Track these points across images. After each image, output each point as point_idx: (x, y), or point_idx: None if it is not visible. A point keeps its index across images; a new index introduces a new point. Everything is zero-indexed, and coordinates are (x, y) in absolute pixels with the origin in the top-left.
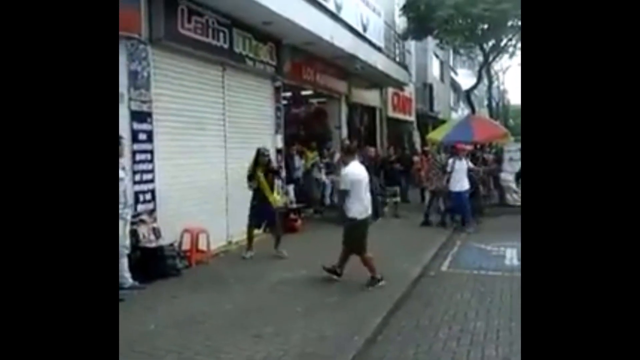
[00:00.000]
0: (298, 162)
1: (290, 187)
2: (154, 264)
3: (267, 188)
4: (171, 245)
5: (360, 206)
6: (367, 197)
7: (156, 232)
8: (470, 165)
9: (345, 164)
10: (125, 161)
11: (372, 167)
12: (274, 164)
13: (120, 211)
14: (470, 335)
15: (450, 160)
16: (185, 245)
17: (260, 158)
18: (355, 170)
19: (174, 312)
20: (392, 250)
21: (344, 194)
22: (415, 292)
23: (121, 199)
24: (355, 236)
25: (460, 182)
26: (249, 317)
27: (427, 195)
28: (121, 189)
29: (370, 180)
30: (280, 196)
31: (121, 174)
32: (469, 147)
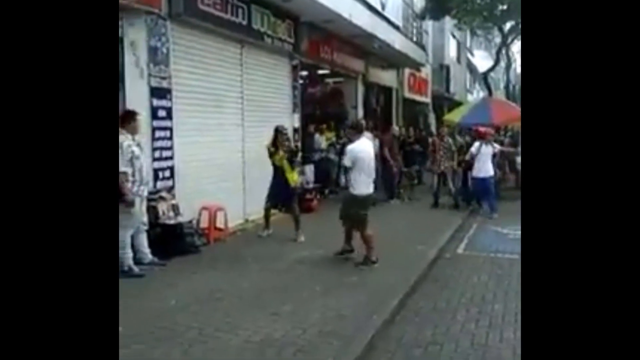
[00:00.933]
0: (318, 141)
1: (309, 167)
2: (173, 240)
3: (287, 168)
4: (190, 222)
5: (362, 183)
6: (371, 174)
7: (175, 209)
8: (497, 147)
9: (351, 140)
10: (142, 138)
11: (397, 146)
12: (292, 144)
13: (136, 188)
14: (488, 317)
15: (476, 144)
16: (204, 223)
17: (279, 136)
18: (360, 147)
19: (193, 288)
20: (408, 232)
21: (347, 170)
22: (432, 275)
23: (137, 176)
24: (352, 211)
25: (485, 168)
26: (266, 295)
27: (435, 178)
28: (137, 166)
29: (395, 160)
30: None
31: (137, 151)
32: (491, 131)
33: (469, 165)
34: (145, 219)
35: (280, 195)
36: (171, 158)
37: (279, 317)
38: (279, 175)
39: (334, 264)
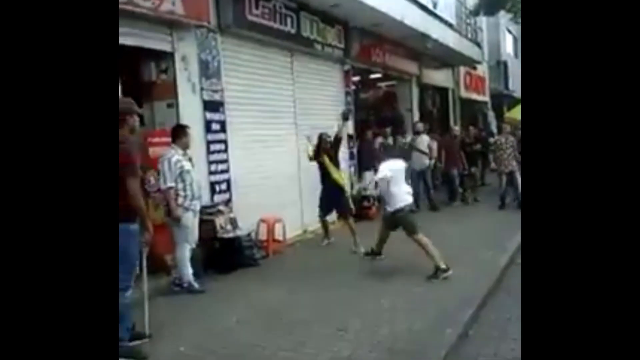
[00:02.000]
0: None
1: (369, 173)
2: (232, 254)
3: (332, 168)
4: (248, 235)
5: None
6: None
7: (233, 222)
8: None
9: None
10: (194, 152)
11: (457, 147)
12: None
13: (188, 202)
14: None
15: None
16: (262, 235)
17: (323, 144)
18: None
19: (254, 304)
20: (475, 238)
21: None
22: (504, 283)
23: (188, 191)
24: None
25: None
26: (331, 309)
27: (504, 178)
28: (188, 180)
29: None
30: (347, 179)
31: (187, 165)
32: None
33: None
34: (196, 234)
35: (331, 201)
36: (227, 171)
37: (346, 334)
38: (326, 180)
39: (399, 274)
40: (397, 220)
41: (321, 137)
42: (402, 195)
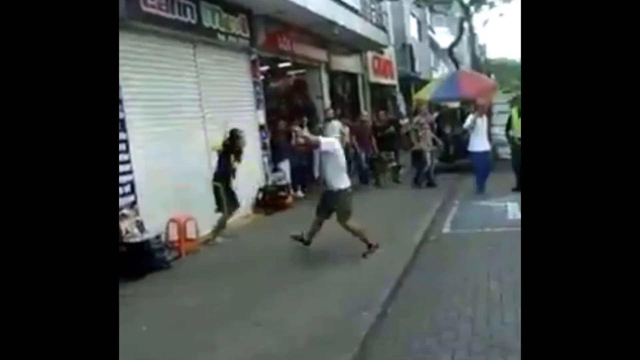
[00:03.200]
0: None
1: (285, 164)
2: (141, 259)
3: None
4: (157, 237)
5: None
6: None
7: (139, 226)
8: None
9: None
10: None
11: (368, 132)
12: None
13: None
14: (485, 299)
15: (471, 117)
16: (173, 236)
17: (237, 140)
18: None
19: (168, 308)
20: (388, 218)
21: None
22: (420, 260)
23: None
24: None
25: (482, 141)
26: (248, 303)
27: (428, 155)
28: None
29: (366, 145)
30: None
31: None
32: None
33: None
34: None
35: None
36: (130, 172)
37: (263, 328)
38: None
39: (314, 261)
40: (336, 201)
41: (234, 134)
42: (344, 175)
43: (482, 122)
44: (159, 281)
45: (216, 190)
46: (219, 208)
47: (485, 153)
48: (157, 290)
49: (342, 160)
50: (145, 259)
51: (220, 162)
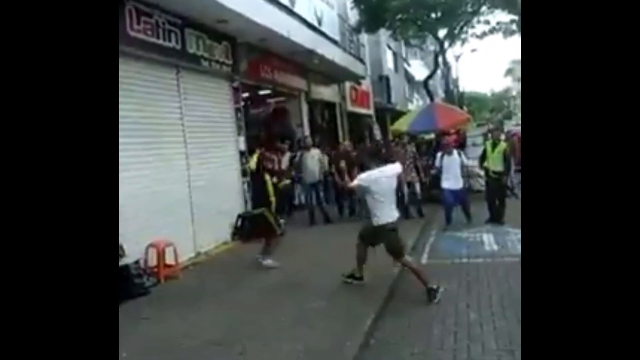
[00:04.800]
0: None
1: None
2: (120, 284)
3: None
4: (136, 262)
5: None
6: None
7: (119, 250)
8: (465, 160)
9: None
10: None
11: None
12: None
13: None
14: (466, 328)
15: (438, 155)
16: (152, 261)
17: (265, 162)
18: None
19: (147, 335)
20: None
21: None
22: (400, 289)
23: None
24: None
25: (449, 179)
26: (229, 332)
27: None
28: None
29: (350, 175)
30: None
31: None
32: (453, 137)
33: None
34: None
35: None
36: None
37: (246, 358)
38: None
39: (297, 290)
40: (379, 238)
41: (263, 155)
42: (385, 210)
43: (449, 159)
44: (137, 307)
45: (263, 218)
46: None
47: (450, 191)
48: (136, 317)
49: (383, 193)
50: (124, 284)
51: (256, 189)
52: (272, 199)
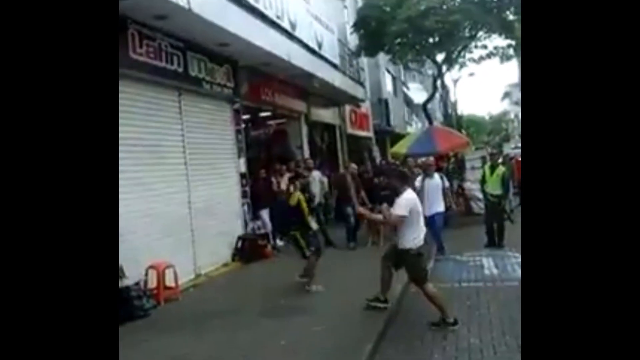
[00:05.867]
0: (284, 184)
1: (265, 212)
2: (120, 306)
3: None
4: (137, 284)
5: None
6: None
7: (119, 272)
8: (447, 184)
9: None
10: None
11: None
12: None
13: None
14: (466, 353)
15: (419, 178)
16: (152, 283)
17: (300, 180)
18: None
19: (146, 358)
20: (370, 270)
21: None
22: (402, 313)
23: None
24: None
25: (430, 203)
26: (230, 356)
27: None
28: None
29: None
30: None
31: None
32: (432, 160)
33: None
34: None
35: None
36: None
37: None
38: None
39: (297, 313)
40: (404, 262)
41: (297, 174)
42: (413, 234)
43: (432, 182)
44: (136, 330)
45: (295, 240)
46: (304, 255)
47: (431, 216)
48: (135, 340)
49: (413, 218)
50: (123, 306)
51: (284, 210)
52: (309, 218)
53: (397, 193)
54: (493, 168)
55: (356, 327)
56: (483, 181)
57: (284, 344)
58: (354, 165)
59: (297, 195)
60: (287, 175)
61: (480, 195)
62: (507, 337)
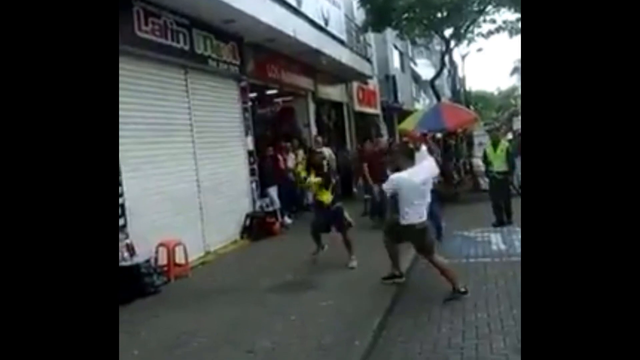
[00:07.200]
0: (291, 161)
1: (273, 190)
2: (130, 283)
3: (317, 189)
4: (147, 261)
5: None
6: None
7: (130, 249)
8: (439, 160)
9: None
10: None
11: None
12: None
13: None
14: (474, 327)
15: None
16: (162, 260)
17: (313, 157)
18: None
19: (157, 333)
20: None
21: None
22: (409, 288)
23: None
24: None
25: (410, 211)
26: (239, 331)
27: None
28: None
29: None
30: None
31: None
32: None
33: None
34: None
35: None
36: (120, 195)
37: (255, 356)
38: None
39: (306, 288)
40: (408, 237)
41: (311, 151)
42: (414, 209)
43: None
44: (147, 306)
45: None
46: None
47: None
48: (146, 315)
49: (414, 193)
50: (134, 283)
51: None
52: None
53: (399, 170)
54: (495, 144)
55: (364, 302)
56: (485, 160)
57: (293, 319)
58: (384, 139)
59: (313, 181)
60: (294, 153)
61: None
62: (515, 311)
